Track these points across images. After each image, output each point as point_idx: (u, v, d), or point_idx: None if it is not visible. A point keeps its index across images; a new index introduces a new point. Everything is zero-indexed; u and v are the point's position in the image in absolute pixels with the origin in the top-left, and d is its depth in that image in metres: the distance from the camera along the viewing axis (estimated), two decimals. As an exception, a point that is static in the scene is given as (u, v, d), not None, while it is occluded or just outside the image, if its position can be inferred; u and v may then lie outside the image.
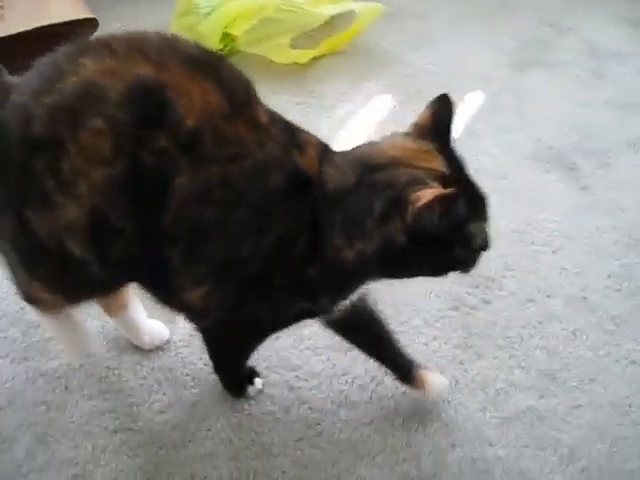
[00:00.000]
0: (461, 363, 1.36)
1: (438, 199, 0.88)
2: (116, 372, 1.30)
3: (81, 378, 1.29)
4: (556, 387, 1.35)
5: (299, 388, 1.30)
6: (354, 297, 1.09)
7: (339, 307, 1.08)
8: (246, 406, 1.27)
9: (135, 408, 1.25)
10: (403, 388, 1.28)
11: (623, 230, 1.65)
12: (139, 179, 0.89)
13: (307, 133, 1.03)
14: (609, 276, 1.55)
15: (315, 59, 2.08)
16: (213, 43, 2.03)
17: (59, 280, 1.04)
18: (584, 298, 1.51)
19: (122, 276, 1.06)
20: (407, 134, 1.01)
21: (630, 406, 1.34)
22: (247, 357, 1.24)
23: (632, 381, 1.38)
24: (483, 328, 1.42)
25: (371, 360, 1.27)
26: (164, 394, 1.28)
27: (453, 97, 0.99)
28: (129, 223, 0.92)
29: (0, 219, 0.98)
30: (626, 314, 1.49)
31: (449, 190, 0.89)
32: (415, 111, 1.00)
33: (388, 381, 1.29)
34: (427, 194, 0.89)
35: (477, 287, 1.50)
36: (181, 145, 0.88)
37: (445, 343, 1.40)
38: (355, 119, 1.90)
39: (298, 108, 1.92)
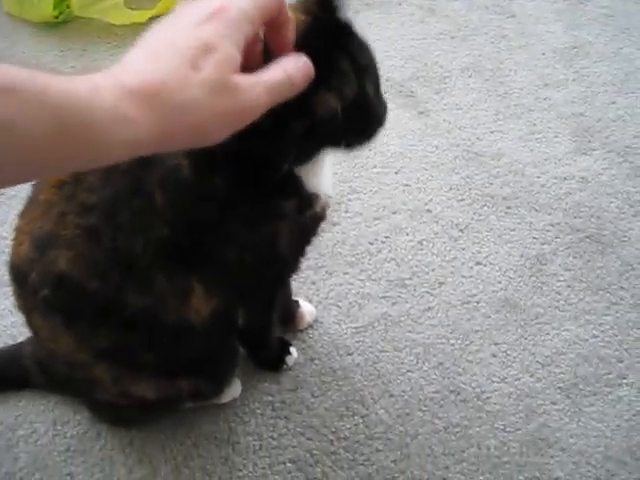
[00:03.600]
0: (313, 283, 1.40)
1: None
2: None
3: None
4: (407, 293, 1.41)
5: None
6: None
7: None
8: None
9: None
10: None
11: (462, 146, 1.72)
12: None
13: None
14: (451, 188, 1.62)
15: (154, 18, 2.04)
16: (46, 11, 1.96)
17: None
18: (428, 210, 1.56)
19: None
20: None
21: (478, 302, 1.41)
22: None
23: (479, 280, 1.45)
24: (332, 248, 1.46)
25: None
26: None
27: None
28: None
29: None
30: (469, 220, 1.56)
31: None
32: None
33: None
34: None
35: (323, 210, 1.53)
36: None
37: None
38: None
39: (139, 67, 1.89)
